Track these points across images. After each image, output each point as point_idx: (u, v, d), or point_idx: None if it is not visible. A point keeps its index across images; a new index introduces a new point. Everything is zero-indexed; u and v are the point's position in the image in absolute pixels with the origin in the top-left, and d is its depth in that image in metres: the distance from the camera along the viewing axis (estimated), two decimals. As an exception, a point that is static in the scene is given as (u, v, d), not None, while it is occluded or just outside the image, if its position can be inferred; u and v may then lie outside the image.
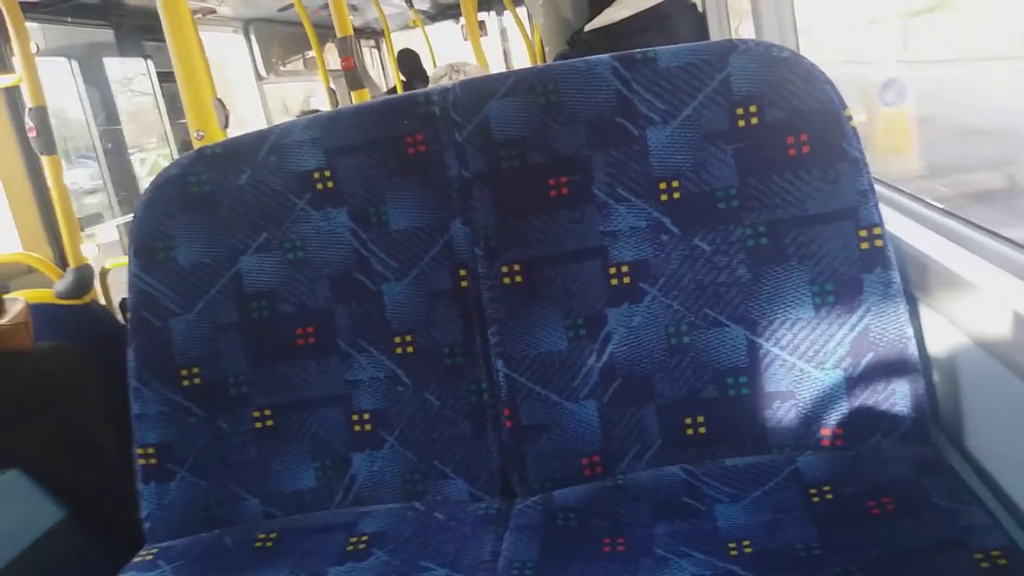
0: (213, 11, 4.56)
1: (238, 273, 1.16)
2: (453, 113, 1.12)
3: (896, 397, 1.02)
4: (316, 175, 1.14)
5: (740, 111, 1.04)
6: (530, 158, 1.10)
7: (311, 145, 1.14)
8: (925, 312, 1.06)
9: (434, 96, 1.13)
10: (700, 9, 2.54)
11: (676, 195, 1.07)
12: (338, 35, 2.28)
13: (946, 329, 1.01)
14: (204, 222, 1.17)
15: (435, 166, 1.12)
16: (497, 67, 7.72)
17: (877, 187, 1.30)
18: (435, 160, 1.12)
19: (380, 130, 1.14)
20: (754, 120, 1.04)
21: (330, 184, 1.14)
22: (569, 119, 1.09)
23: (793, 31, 1.57)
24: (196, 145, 1.45)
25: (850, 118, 1.02)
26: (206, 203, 1.16)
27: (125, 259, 1.22)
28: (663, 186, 1.07)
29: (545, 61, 4.75)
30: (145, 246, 1.18)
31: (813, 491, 0.97)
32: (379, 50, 7.77)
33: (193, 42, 1.54)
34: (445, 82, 2.34)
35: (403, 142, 1.13)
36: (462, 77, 2.33)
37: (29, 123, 2.23)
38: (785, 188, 1.04)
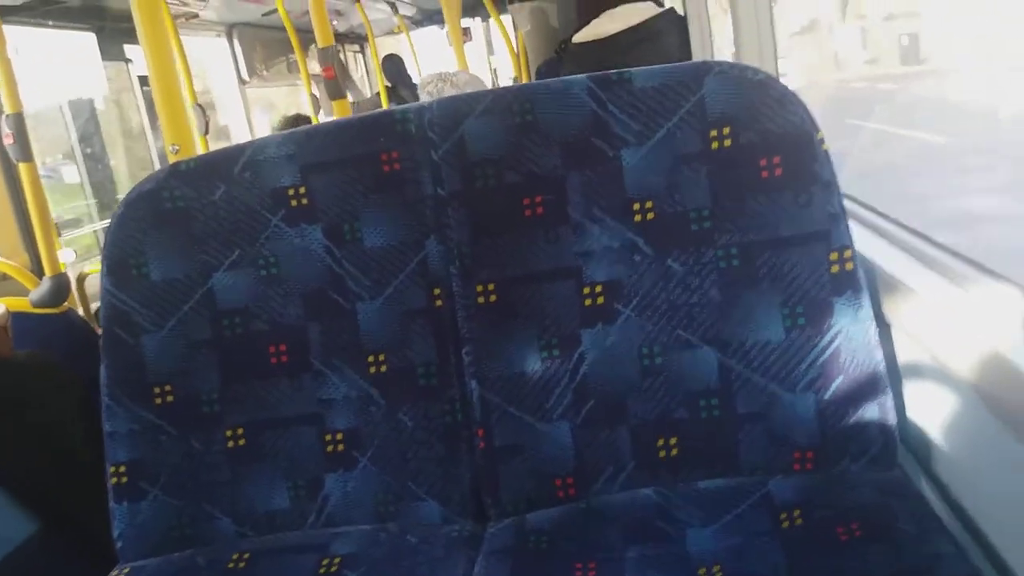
0: (196, 15, 4.53)
1: (211, 290, 1.15)
2: (429, 131, 1.11)
3: (866, 421, 1.03)
4: (291, 191, 1.13)
5: (714, 133, 1.05)
6: (505, 177, 1.10)
7: (286, 161, 1.13)
8: (896, 335, 1.07)
9: (410, 114, 1.13)
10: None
11: (650, 216, 1.07)
12: (319, 45, 2.28)
13: (916, 353, 1.02)
14: (177, 238, 1.16)
15: (410, 184, 1.12)
16: (482, 73, 7.73)
17: (850, 206, 1.32)
18: (410, 178, 1.12)
19: (356, 147, 1.13)
20: (727, 142, 1.04)
21: (304, 201, 1.13)
22: (545, 139, 1.09)
23: (772, 54, 1.58)
24: (171, 159, 1.44)
25: (822, 141, 1.03)
26: (180, 219, 1.15)
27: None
28: (637, 207, 1.07)
29: (529, 68, 4.77)
30: (118, 262, 1.16)
31: (783, 515, 0.98)
32: (363, 55, 7.75)
33: (170, 52, 1.52)
34: (431, 89, 2.34)
35: (379, 159, 1.12)
36: (449, 88, 2.33)
37: (6, 129, 2.21)
38: (757, 210, 1.04)
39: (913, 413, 1.06)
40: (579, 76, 1.09)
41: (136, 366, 1.16)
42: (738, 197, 1.05)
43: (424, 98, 2.37)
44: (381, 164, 1.12)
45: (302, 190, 1.13)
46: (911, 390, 1.07)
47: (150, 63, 1.52)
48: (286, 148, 1.14)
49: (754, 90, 1.04)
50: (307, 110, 4.74)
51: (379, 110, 1.18)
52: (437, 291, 1.12)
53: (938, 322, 0.95)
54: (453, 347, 1.12)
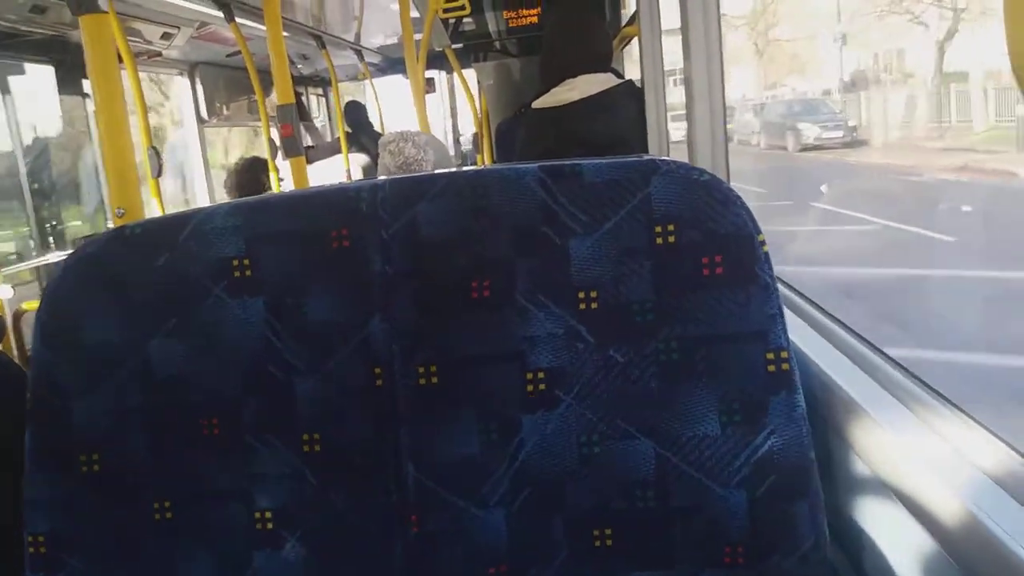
0: (159, 54, 4.50)
1: (146, 358, 1.13)
2: (381, 210, 1.11)
3: (797, 519, 1.04)
4: (235, 262, 1.12)
5: (659, 229, 1.06)
6: (454, 260, 1.10)
7: (232, 232, 1.12)
8: (830, 434, 1.09)
9: (363, 192, 1.12)
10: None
11: (594, 305, 1.08)
12: (277, 102, 2.28)
13: (847, 454, 1.04)
14: (116, 303, 1.13)
15: (359, 262, 1.11)
16: (444, 125, 7.81)
17: (794, 298, 1.34)
18: (359, 256, 1.11)
19: (305, 222, 1.12)
20: (671, 239, 1.06)
21: (248, 272, 1.12)
22: (495, 225, 1.09)
23: (724, 158, 1.63)
24: (117, 223, 1.42)
25: (763, 243, 1.05)
26: (120, 284, 1.13)
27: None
28: (582, 295, 1.08)
29: (489, 123, 4.82)
30: (53, 324, 1.13)
31: None
32: (326, 98, 7.77)
33: (123, 112, 1.50)
34: (392, 148, 2.36)
35: (328, 235, 1.11)
36: (410, 147, 2.36)
37: None
38: (698, 306, 1.06)
39: (845, 511, 1.07)
40: (531, 166, 1.10)
41: (63, 432, 1.13)
42: (679, 292, 1.06)
43: (384, 156, 2.39)
44: (331, 240, 1.11)
45: (246, 261, 1.12)
46: (843, 489, 1.08)
47: (101, 123, 1.50)
48: (233, 219, 1.12)
49: (699, 190, 1.06)
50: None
51: (332, 184, 1.18)
52: (378, 370, 1.11)
53: (867, 428, 0.97)
54: (391, 428, 1.11)
